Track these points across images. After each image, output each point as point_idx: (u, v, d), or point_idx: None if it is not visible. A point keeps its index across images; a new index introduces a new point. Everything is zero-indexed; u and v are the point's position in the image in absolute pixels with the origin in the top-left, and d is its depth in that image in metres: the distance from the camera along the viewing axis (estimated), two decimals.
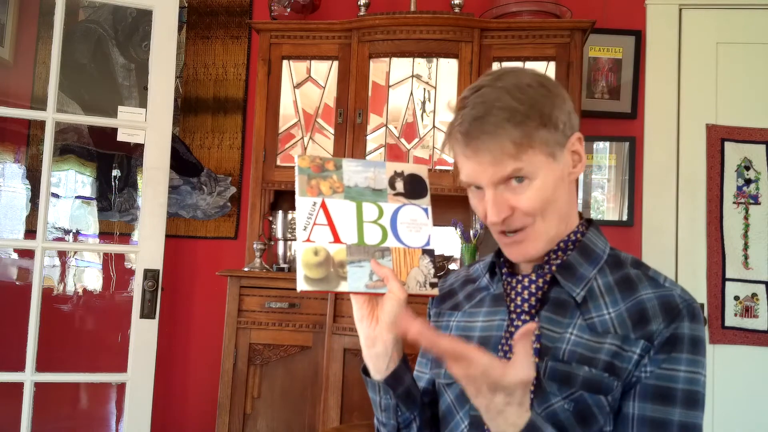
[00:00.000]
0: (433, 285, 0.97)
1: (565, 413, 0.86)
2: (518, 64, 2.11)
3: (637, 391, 0.86)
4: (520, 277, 0.96)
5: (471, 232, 2.16)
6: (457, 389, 0.96)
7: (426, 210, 1.01)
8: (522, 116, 0.88)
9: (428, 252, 0.99)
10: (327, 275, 0.91)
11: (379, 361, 0.94)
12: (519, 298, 0.95)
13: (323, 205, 0.96)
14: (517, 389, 0.76)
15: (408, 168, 1.02)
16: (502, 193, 0.90)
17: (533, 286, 0.94)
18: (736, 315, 2.30)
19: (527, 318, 0.93)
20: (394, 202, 1.00)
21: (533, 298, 0.94)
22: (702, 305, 2.31)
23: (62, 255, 2.61)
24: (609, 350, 0.86)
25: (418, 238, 0.99)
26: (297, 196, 0.95)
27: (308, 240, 0.94)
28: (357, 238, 0.96)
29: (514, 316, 0.94)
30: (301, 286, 0.89)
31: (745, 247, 2.33)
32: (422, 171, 1.02)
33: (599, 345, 0.87)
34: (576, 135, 0.94)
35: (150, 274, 2.25)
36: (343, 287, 0.92)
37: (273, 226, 2.32)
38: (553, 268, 0.94)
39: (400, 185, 1.01)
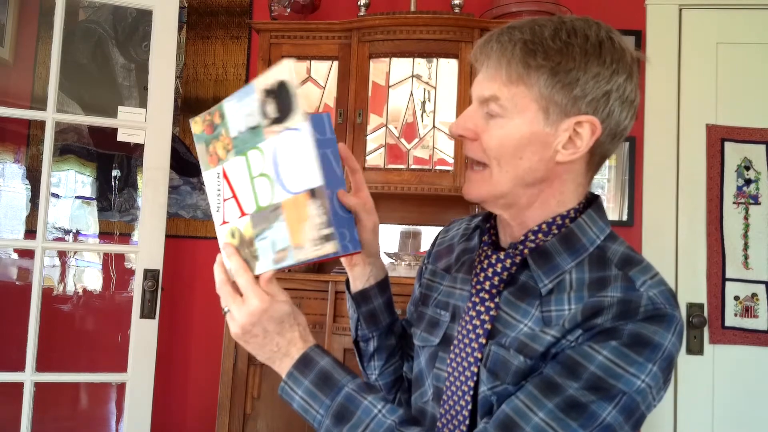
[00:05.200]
0: (327, 237, 0.73)
1: (490, 404, 0.83)
2: None
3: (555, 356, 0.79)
4: (489, 252, 0.90)
5: None
6: (427, 353, 0.95)
7: (299, 130, 0.72)
8: (537, 48, 0.80)
9: (315, 193, 0.73)
10: (246, 259, 0.79)
11: (357, 281, 1.00)
12: (483, 275, 0.89)
13: (224, 175, 0.79)
14: (250, 326, 0.80)
15: (273, 76, 0.74)
16: (480, 117, 0.84)
17: (500, 265, 0.87)
18: (736, 315, 2.30)
19: (485, 296, 0.88)
20: (271, 136, 0.75)
21: (497, 278, 0.87)
22: (702, 305, 2.31)
23: (62, 255, 2.61)
24: (549, 341, 0.79)
25: (301, 178, 0.73)
26: (202, 171, 0.79)
27: (224, 222, 0.80)
28: (254, 203, 0.78)
29: (474, 291, 0.89)
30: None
31: (745, 247, 2.32)
32: (284, 72, 0.73)
33: (542, 335, 0.80)
34: (589, 119, 0.80)
35: (150, 274, 2.25)
36: (259, 269, 0.79)
37: None
38: (525, 251, 0.86)
39: (272, 108, 0.74)
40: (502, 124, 0.82)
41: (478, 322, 0.87)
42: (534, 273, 0.84)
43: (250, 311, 0.80)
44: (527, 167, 0.83)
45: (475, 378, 0.85)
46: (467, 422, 0.85)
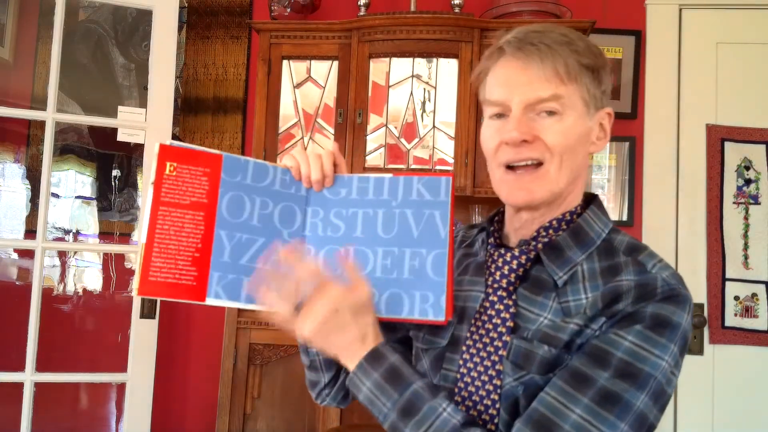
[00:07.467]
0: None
1: (517, 394, 0.84)
2: None
3: (581, 347, 0.82)
4: (503, 251, 0.92)
5: None
6: (432, 354, 0.95)
7: None
8: (580, 48, 0.86)
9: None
10: None
11: None
12: (498, 273, 0.91)
13: None
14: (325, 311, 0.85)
15: None
16: (529, 120, 0.86)
17: (515, 262, 0.90)
18: (736, 315, 2.30)
19: (503, 294, 0.89)
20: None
21: (513, 275, 0.89)
22: (702, 305, 2.31)
23: (62, 255, 2.61)
24: (572, 330, 0.82)
25: None
26: None
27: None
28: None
29: (490, 290, 0.91)
30: None
31: (745, 247, 2.33)
32: None
33: (565, 325, 0.83)
34: (610, 110, 0.91)
35: None
36: None
37: None
38: (539, 246, 0.89)
39: None
40: (561, 121, 0.86)
41: (498, 321, 0.89)
42: (548, 267, 0.88)
43: (354, 293, 0.84)
44: (579, 162, 0.89)
45: (501, 376, 0.86)
46: (496, 420, 0.85)
